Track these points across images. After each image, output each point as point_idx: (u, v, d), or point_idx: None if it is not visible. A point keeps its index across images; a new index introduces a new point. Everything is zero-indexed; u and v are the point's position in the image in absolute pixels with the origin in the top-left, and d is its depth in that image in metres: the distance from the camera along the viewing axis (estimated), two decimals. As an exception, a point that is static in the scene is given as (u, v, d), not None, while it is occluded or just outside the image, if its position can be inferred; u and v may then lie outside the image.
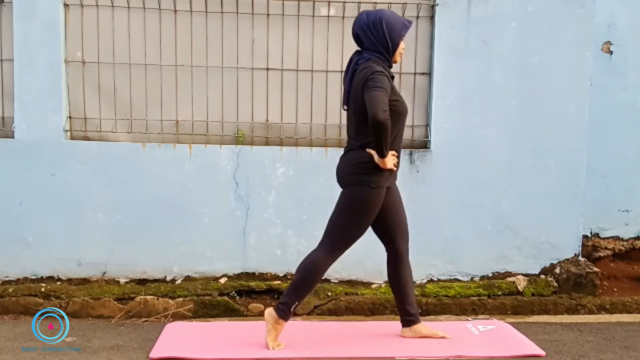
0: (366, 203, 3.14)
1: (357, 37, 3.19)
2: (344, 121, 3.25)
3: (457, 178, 4.24)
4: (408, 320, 3.42)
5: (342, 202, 3.20)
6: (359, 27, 3.15)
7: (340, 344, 3.33)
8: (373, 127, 2.93)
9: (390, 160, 3.08)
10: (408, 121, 4.22)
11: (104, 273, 4.15)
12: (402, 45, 3.19)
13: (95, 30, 4.14)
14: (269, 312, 3.26)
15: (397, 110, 3.12)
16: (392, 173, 3.20)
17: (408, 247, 3.40)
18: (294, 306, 3.22)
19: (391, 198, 3.28)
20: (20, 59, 4.04)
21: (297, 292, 3.24)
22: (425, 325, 3.46)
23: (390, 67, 3.17)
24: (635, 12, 4.80)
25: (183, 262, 4.17)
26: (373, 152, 3.07)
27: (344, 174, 3.21)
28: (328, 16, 4.22)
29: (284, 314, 3.22)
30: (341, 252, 3.23)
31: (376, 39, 3.11)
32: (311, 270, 3.23)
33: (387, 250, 3.40)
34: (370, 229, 3.31)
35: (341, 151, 3.29)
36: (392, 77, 3.15)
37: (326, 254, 3.20)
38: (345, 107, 3.23)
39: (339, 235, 3.20)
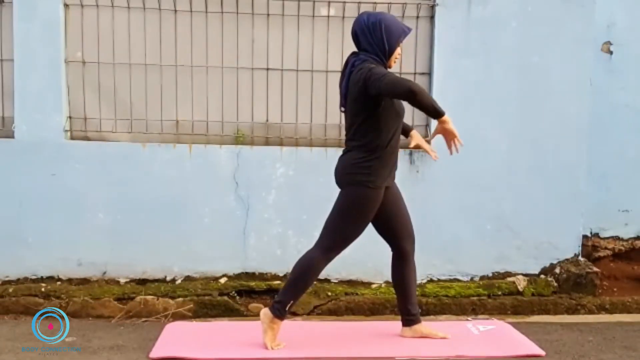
0: (363, 203, 3.13)
1: (355, 36, 3.19)
2: (344, 121, 3.25)
3: (457, 178, 4.24)
4: (409, 320, 3.42)
5: (340, 202, 3.18)
6: (359, 26, 3.15)
7: (340, 344, 3.33)
8: (414, 99, 2.86)
9: (449, 119, 3.01)
10: (408, 121, 4.23)
11: (104, 273, 4.15)
12: (398, 50, 3.17)
13: (95, 30, 4.14)
14: (265, 312, 3.26)
15: (396, 109, 3.14)
16: (390, 172, 3.19)
17: (414, 247, 3.38)
18: (289, 305, 3.21)
19: (392, 198, 3.27)
20: (20, 59, 4.04)
21: (292, 291, 3.23)
22: (425, 326, 3.46)
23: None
24: (635, 12, 4.79)
25: (183, 262, 4.17)
26: (445, 119, 2.98)
27: (342, 174, 3.20)
28: (328, 16, 4.22)
29: (280, 313, 3.21)
30: (337, 252, 3.22)
31: (373, 41, 3.10)
32: (306, 270, 3.21)
33: (392, 249, 3.39)
34: (374, 230, 3.31)
35: (341, 151, 3.29)
36: None
37: (321, 253, 3.19)
38: (343, 109, 3.22)
39: (335, 236, 3.18)
